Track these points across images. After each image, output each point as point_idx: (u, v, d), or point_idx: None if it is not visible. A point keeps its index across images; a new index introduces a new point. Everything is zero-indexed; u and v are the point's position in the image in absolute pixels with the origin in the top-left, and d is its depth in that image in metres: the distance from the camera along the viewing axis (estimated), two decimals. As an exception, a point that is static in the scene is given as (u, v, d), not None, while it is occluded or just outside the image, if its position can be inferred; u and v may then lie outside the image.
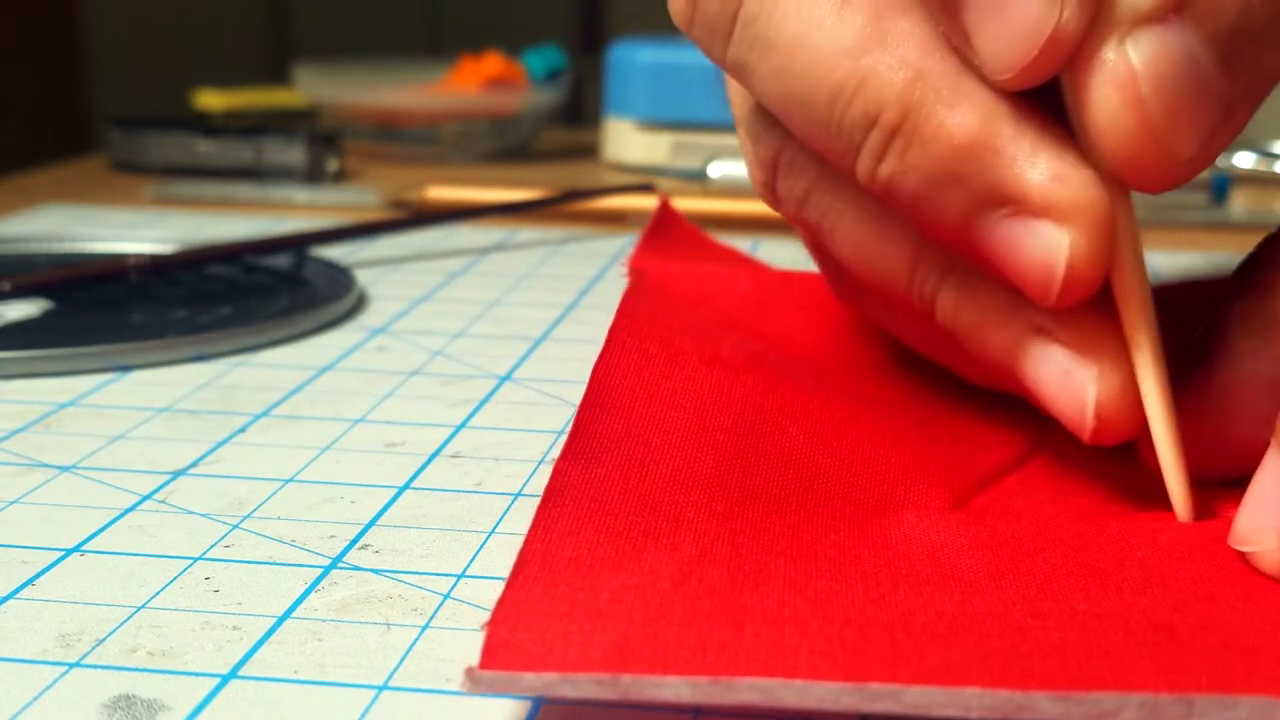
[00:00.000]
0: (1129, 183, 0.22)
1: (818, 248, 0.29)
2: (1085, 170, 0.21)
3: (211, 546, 0.24)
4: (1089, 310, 0.23)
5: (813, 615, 0.18)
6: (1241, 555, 0.21)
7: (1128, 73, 0.20)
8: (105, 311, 0.39)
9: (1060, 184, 0.21)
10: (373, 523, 0.25)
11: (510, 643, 0.17)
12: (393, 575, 0.23)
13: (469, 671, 0.17)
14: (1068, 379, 0.23)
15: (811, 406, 0.26)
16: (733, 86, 0.28)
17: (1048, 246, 0.21)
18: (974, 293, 0.24)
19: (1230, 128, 0.21)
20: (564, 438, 0.24)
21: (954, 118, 0.22)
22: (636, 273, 0.34)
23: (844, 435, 0.25)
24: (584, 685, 0.17)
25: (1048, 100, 0.22)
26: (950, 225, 0.23)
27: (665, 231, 0.38)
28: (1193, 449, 0.23)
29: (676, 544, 0.20)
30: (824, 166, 0.26)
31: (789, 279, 0.35)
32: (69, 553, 0.23)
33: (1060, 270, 0.21)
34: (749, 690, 0.17)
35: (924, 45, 0.22)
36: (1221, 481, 0.23)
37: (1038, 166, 0.21)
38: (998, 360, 0.24)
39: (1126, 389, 0.22)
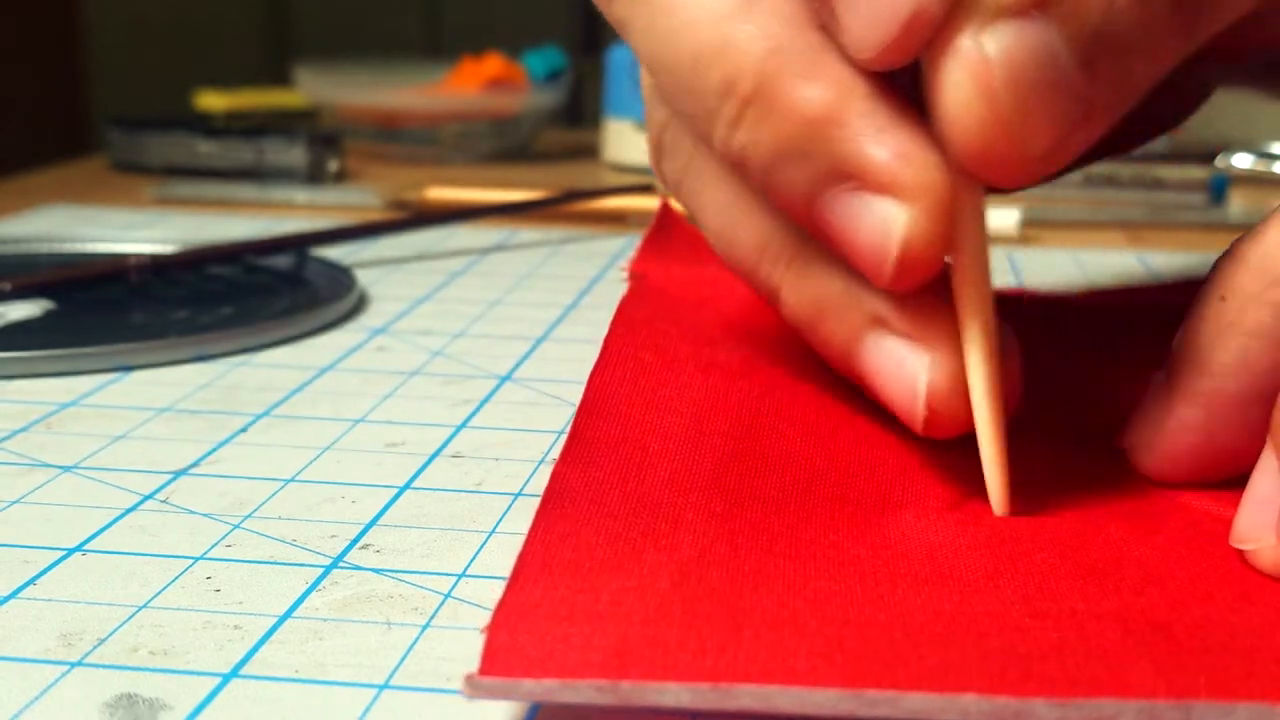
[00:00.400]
0: (978, 174, 0.21)
1: None
2: (932, 153, 0.21)
3: (213, 546, 0.24)
4: (928, 301, 0.23)
5: (811, 615, 0.18)
6: (1240, 554, 0.21)
7: (982, 61, 0.20)
8: (106, 312, 0.39)
9: (904, 162, 0.21)
10: (373, 522, 0.25)
11: (510, 647, 0.17)
12: (393, 575, 0.23)
13: (468, 678, 0.17)
14: (900, 367, 0.23)
15: (808, 410, 0.26)
16: (644, 71, 0.28)
17: (885, 222, 0.21)
18: (814, 283, 0.24)
19: (1090, 129, 0.21)
20: (564, 438, 0.24)
21: (807, 92, 0.22)
22: (636, 276, 0.34)
23: (840, 438, 0.25)
24: (584, 691, 0.17)
25: (916, 87, 0.21)
26: (797, 200, 0.22)
27: (666, 233, 0.38)
28: (1182, 458, 0.23)
29: (675, 545, 0.20)
30: (696, 148, 0.26)
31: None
32: (70, 552, 0.23)
33: (895, 247, 0.21)
34: (748, 696, 0.17)
35: (790, 18, 0.22)
36: (1216, 483, 0.23)
37: (884, 144, 0.21)
38: (837, 352, 0.24)
39: (961, 378, 0.22)
